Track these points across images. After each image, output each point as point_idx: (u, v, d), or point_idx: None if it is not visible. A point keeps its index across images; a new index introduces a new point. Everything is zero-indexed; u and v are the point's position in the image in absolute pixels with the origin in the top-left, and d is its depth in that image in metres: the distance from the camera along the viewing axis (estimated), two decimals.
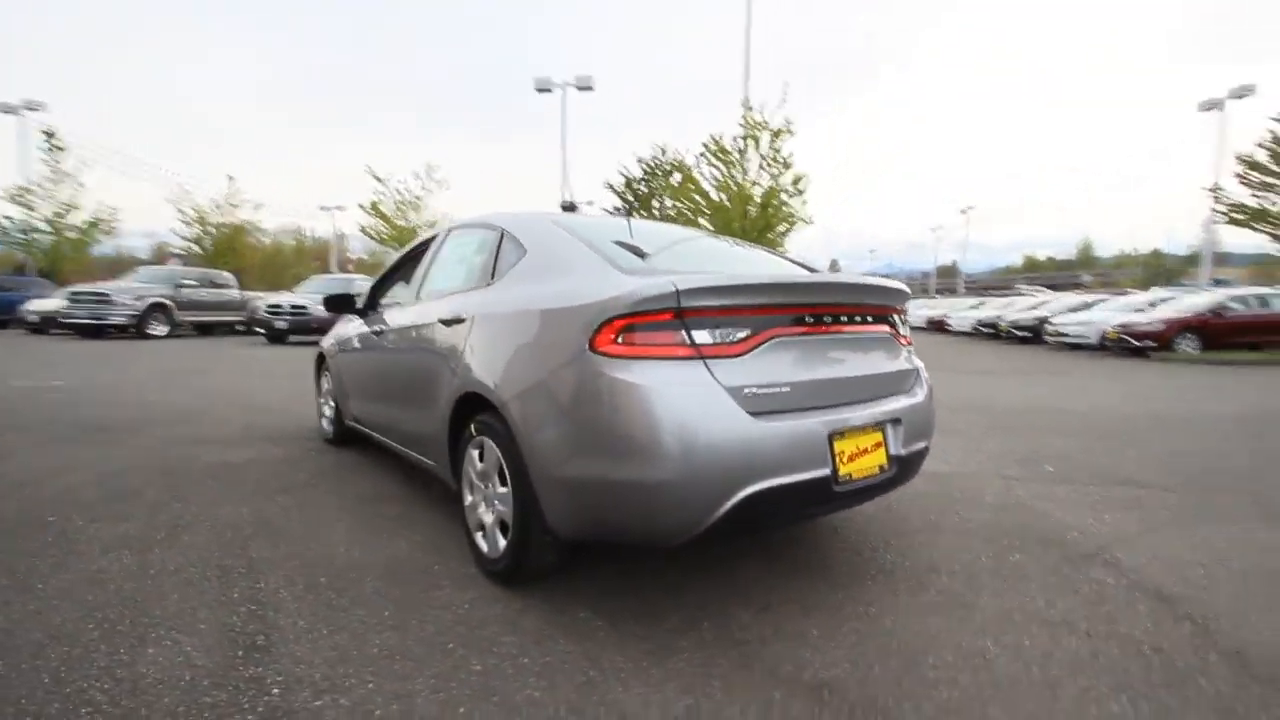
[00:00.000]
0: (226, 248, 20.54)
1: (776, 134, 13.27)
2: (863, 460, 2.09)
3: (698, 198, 14.20)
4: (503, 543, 2.26)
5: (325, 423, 4.59)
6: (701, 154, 14.52)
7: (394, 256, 4.00)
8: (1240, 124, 17.03)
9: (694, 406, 1.81)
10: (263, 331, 15.23)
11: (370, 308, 3.98)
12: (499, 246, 2.66)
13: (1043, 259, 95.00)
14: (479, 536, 2.43)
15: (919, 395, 2.42)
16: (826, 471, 1.97)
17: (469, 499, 2.50)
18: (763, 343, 1.96)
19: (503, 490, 2.23)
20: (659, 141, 17.51)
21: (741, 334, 1.94)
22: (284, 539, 2.74)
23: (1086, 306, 17.12)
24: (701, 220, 14.28)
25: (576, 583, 2.34)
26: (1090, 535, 2.89)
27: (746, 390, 1.89)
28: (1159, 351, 13.31)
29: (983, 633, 2.04)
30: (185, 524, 2.91)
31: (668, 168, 16.81)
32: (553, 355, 2.02)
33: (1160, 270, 55.69)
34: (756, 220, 13.43)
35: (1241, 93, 16.60)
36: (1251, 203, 12.08)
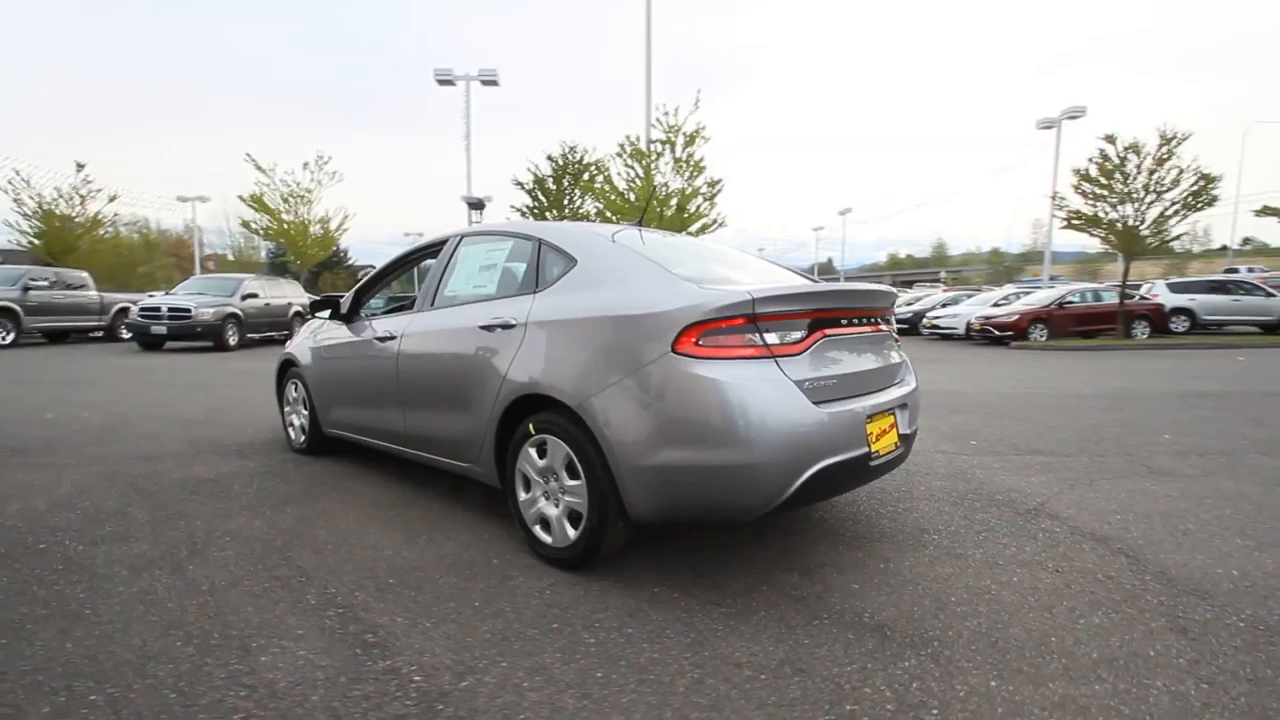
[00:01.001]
0: (60, 245, 18.11)
1: (691, 138, 13.85)
2: (884, 440, 2.48)
3: (614, 198, 14.49)
4: (572, 532, 2.45)
5: (294, 432, 4.43)
6: (618, 154, 14.84)
7: (383, 262, 3.96)
8: (1076, 137, 19.94)
9: (772, 398, 2.11)
10: (129, 336, 13.81)
11: (354, 314, 3.93)
12: (538, 256, 2.81)
13: (903, 256, 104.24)
14: (538, 529, 2.59)
15: (912, 383, 2.86)
16: (865, 449, 2.34)
17: (523, 495, 2.64)
18: (815, 342, 2.29)
19: (573, 483, 2.42)
20: (566, 139, 17.57)
21: (799, 334, 2.26)
22: (323, 548, 2.74)
23: (955, 302, 19.24)
24: (619, 220, 14.59)
25: (631, 566, 2.56)
26: (1027, 494, 3.49)
27: (806, 382, 2.21)
28: (1016, 340, 15.27)
29: (981, 575, 2.50)
30: (203, 540, 2.82)
31: (578, 167, 16.95)
32: (633, 357, 2.24)
33: (1001, 267, 62.83)
34: (672, 222, 13.95)
35: (1074, 113, 19.43)
36: (1087, 210, 14.21)
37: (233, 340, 13.88)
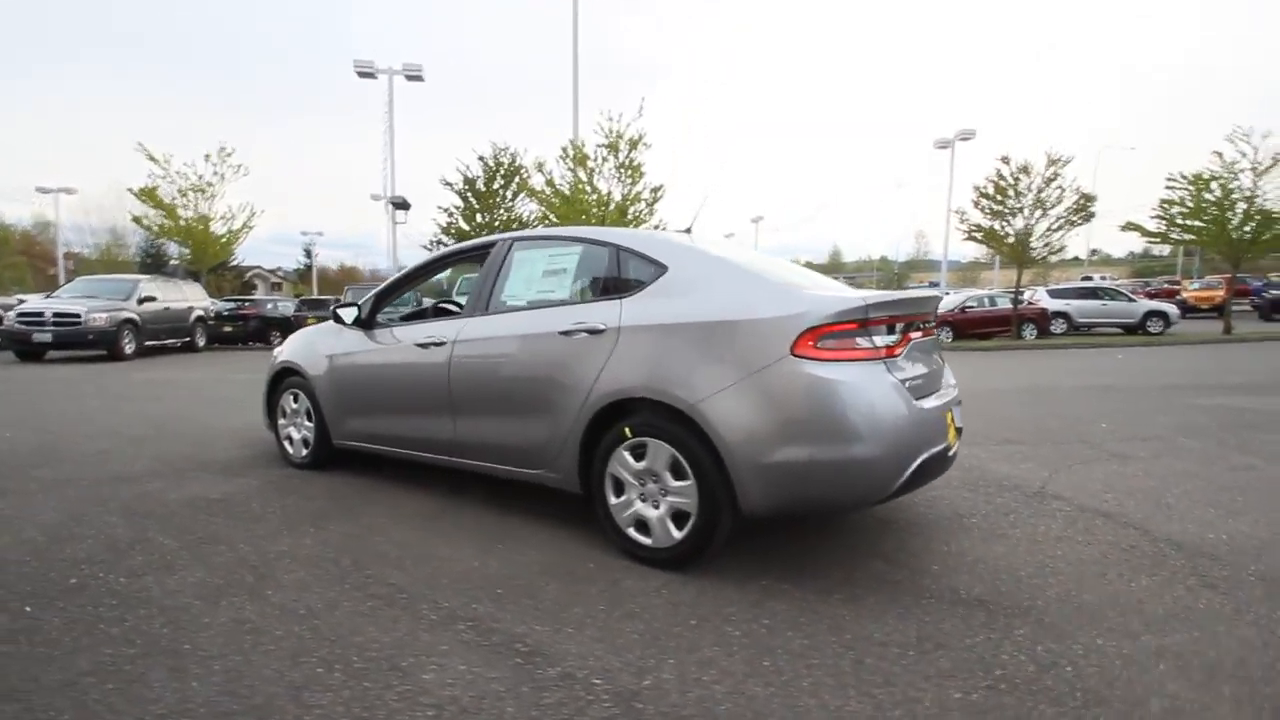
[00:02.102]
0: None
1: (634, 144, 14.01)
2: (952, 433, 2.73)
3: (557, 202, 14.37)
4: (677, 532, 2.51)
5: (292, 446, 4.15)
6: (561, 157, 14.75)
7: (402, 270, 3.81)
8: (970, 155, 21.87)
9: (885, 396, 2.28)
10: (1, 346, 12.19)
11: (374, 320, 3.76)
12: (618, 262, 2.84)
13: (803, 263, 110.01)
14: (632, 532, 2.62)
15: (954, 382, 3.14)
16: (947, 442, 2.57)
17: (614, 499, 2.67)
18: (907, 344, 2.49)
19: (679, 484, 2.48)
20: (495, 140, 17.22)
21: (896, 337, 2.45)
22: (401, 564, 2.64)
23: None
24: (559, 224, 14.51)
25: (724, 565, 2.65)
26: (1026, 480, 3.89)
27: (906, 382, 2.40)
28: None
29: (1032, 550, 2.79)
30: (261, 563, 2.63)
31: (511, 169, 16.66)
32: (750, 360, 2.34)
33: (892, 275, 67.71)
34: (616, 226, 14.05)
35: (965, 135, 21.39)
36: (986, 224, 15.70)
37: (129, 348, 12.56)
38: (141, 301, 13.22)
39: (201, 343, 15.19)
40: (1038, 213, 15.18)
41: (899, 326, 2.49)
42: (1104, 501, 3.46)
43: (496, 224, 16.75)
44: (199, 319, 15.09)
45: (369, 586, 2.42)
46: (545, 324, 2.90)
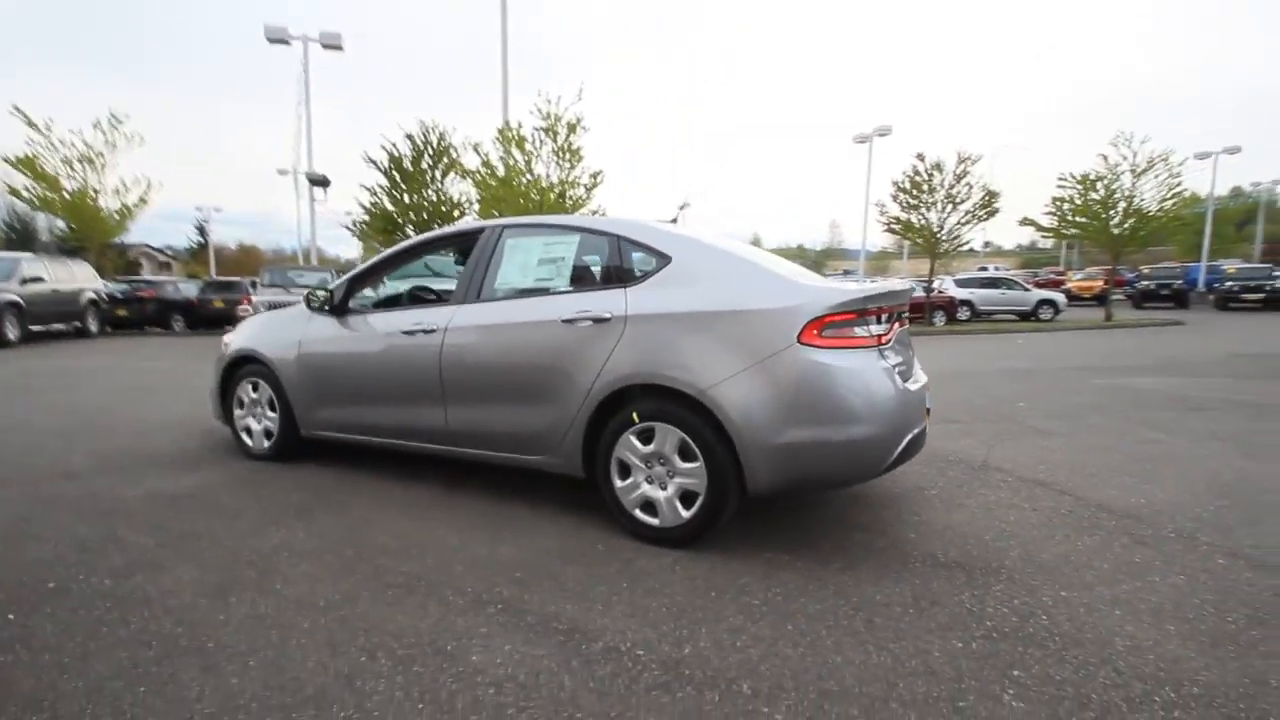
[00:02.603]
0: None
1: (572, 127, 13.83)
2: (925, 415, 2.98)
3: (495, 185, 13.99)
4: (685, 512, 2.63)
5: (253, 438, 3.96)
6: (497, 140, 14.31)
7: (375, 254, 3.69)
8: (888, 150, 23.08)
9: (881, 380, 2.49)
10: None
11: (346, 305, 3.65)
12: (619, 252, 2.90)
13: None
14: (638, 513, 2.73)
15: (920, 367, 3.41)
16: (924, 423, 2.81)
17: (620, 482, 2.76)
18: (893, 333, 2.70)
19: (688, 465, 2.60)
20: (422, 118, 16.53)
21: (885, 327, 2.65)
22: (409, 554, 2.63)
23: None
24: (495, 209, 14.15)
25: (725, 542, 2.80)
26: (968, 454, 4.27)
27: (895, 367, 2.62)
28: None
29: (989, 517, 3.10)
30: (258, 559, 2.55)
31: (440, 149, 16.06)
32: (758, 348, 2.48)
33: (809, 263, 70.32)
34: (555, 209, 13.84)
35: (883, 131, 22.52)
36: (904, 217, 16.68)
37: (12, 334, 11.34)
38: (25, 282, 11.93)
39: (95, 328, 13.88)
40: (949, 207, 16.25)
41: (885, 316, 2.70)
42: (1038, 472, 3.87)
43: (425, 205, 16.15)
44: (91, 302, 13.77)
45: (383, 576, 2.41)
46: (545, 312, 2.93)
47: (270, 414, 3.88)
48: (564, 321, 2.86)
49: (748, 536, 2.83)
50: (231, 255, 61.04)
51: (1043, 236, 21.36)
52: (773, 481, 2.51)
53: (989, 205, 16.03)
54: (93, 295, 13.88)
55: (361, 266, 3.71)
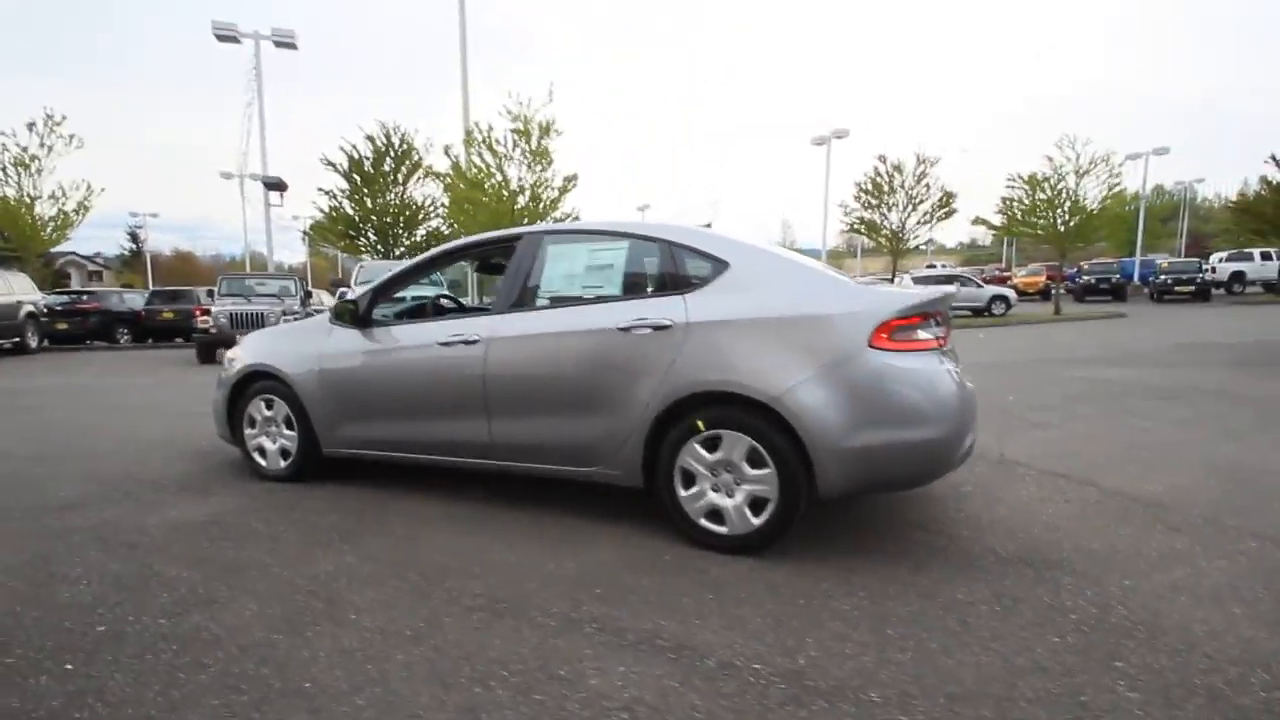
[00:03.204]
0: None
1: (545, 129, 13.64)
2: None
3: (464, 187, 13.67)
4: (754, 519, 2.62)
5: (265, 459, 3.77)
6: (466, 142, 14.01)
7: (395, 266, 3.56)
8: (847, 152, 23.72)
9: (945, 381, 2.53)
10: None
11: (370, 317, 3.51)
12: (673, 258, 2.88)
13: None
14: (704, 521, 2.71)
15: None
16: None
17: (684, 491, 2.73)
18: (948, 335, 2.76)
19: (757, 472, 2.59)
20: (380, 119, 16.04)
21: (942, 330, 2.71)
22: (471, 573, 2.54)
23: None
24: (460, 215, 13.86)
25: (790, 549, 2.80)
26: (984, 449, 4.38)
27: (954, 369, 2.67)
28: None
29: (1029, 511, 3.19)
30: (317, 588, 2.43)
31: (402, 150, 15.67)
32: (829, 352, 2.49)
33: None
34: (528, 214, 13.64)
35: (840, 134, 23.08)
36: (868, 217, 17.17)
37: None
38: None
39: (34, 343, 13.01)
40: (909, 207, 16.80)
41: (939, 319, 2.76)
42: (1054, 464, 4.01)
43: (391, 208, 15.75)
44: (30, 315, 12.90)
45: (459, 599, 2.32)
46: (598, 320, 2.88)
47: (287, 432, 3.70)
48: (620, 329, 2.81)
49: (811, 540, 2.84)
50: (166, 262, 58.13)
51: (994, 235, 22.24)
52: (844, 485, 2.53)
53: (947, 205, 16.63)
54: (31, 308, 13.00)
55: (385, 277, 3.57)
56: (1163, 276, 24.70)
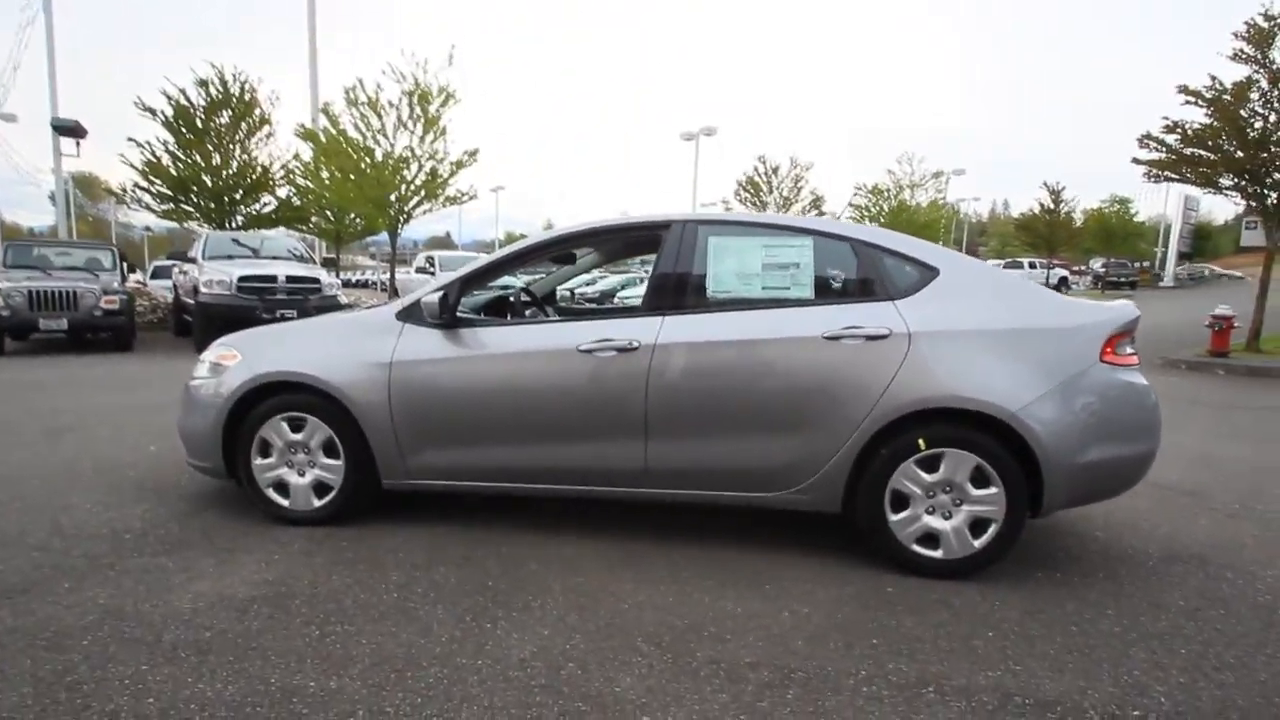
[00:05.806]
0: None
1: (445, 98, 12.13)
2: None
3: (353, 155, 11.73)
4: (975, 541, 2.49)
5: (292, 495, 2.90)
6: (348, 102, 12.02)
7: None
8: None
9: (1153, 395, 2.59)
10: None
11: (457, 317, 2.82)
12: (870, 261, 2.63)
13: (518, 234, 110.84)
14: (916, 546, 2.53)
15: None
16: None
17: (895, 516, 2.53)
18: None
19: (981, 493, 2.46)
20: (216, 62, 13.36)
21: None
22: (706, 637, 2.14)
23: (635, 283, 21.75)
24: (337, 180, 11.97)
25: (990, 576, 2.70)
26: None
27: None
28: None
29: (1118, 511, 3.30)
30: (465, 617, 1.86)
31: (244, 102, 13.17)
32: (1064, 366, 2.44)
33: None
34: (422, 189, 12.11)
35: (709, 130, 23.85)
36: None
37: None
38: None
39: None
40: (783, 208, 17.87)
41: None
42: None
43: (231, 166, 13.28)
44: None
45: (730, 673, 1.92)
46: (797, 327, 2.56)
47: (327, 461, 2.86)
48: (826, 338, 2.52)
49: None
50: None
51: None
52: (1065, 501, 2.52)
53: (816, 208, 17.95)
54: None
55: (476, 264, 2.88)
56: None
